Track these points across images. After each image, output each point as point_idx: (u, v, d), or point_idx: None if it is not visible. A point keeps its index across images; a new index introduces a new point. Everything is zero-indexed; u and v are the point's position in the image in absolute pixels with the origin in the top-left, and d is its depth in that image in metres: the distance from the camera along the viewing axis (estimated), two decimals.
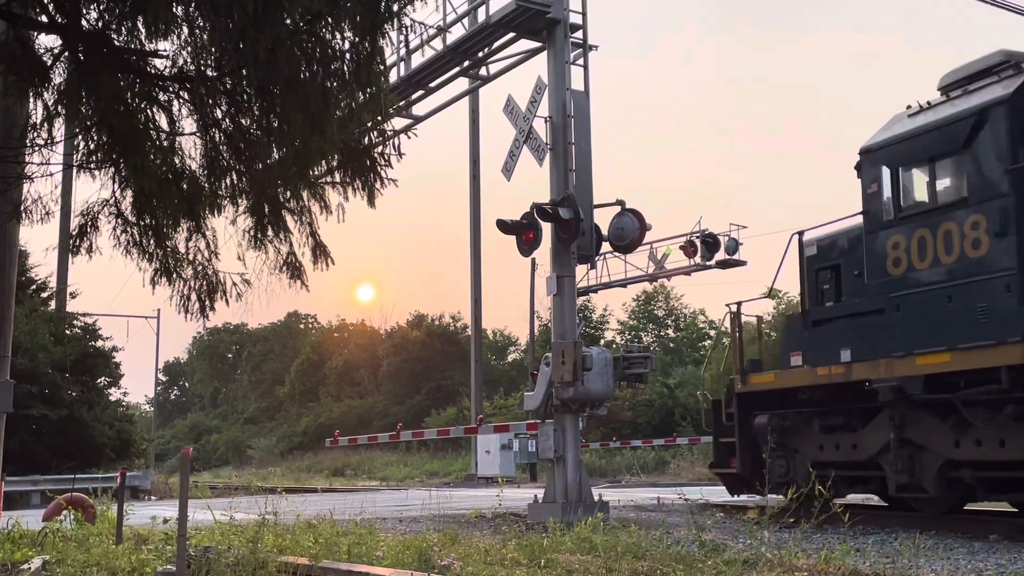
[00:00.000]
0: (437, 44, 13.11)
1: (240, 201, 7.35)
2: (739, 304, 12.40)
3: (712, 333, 46.67)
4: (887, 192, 10.32)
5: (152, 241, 7.48)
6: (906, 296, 9.86)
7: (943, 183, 9.90)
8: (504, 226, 11.79)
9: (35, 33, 6.77)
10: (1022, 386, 8.67)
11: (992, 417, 9.17)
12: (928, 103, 10.34)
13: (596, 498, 11.57)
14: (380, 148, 7.75)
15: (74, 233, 7.58)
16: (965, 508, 10.61)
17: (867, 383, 10.19)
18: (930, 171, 9.97)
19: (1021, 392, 8.72)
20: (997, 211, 9.08)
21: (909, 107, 10.56)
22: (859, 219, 10.77)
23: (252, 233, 7.55)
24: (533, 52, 12.62)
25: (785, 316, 13.23)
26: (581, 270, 13.13)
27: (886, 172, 10.34)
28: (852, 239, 11.14)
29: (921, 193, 10.11)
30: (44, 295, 29.90)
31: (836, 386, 10.64)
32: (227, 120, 6.83)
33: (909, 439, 9.94)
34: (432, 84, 13.96)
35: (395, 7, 6.58)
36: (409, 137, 10.19)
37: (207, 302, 7.81)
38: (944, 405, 9.60)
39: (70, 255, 9.23)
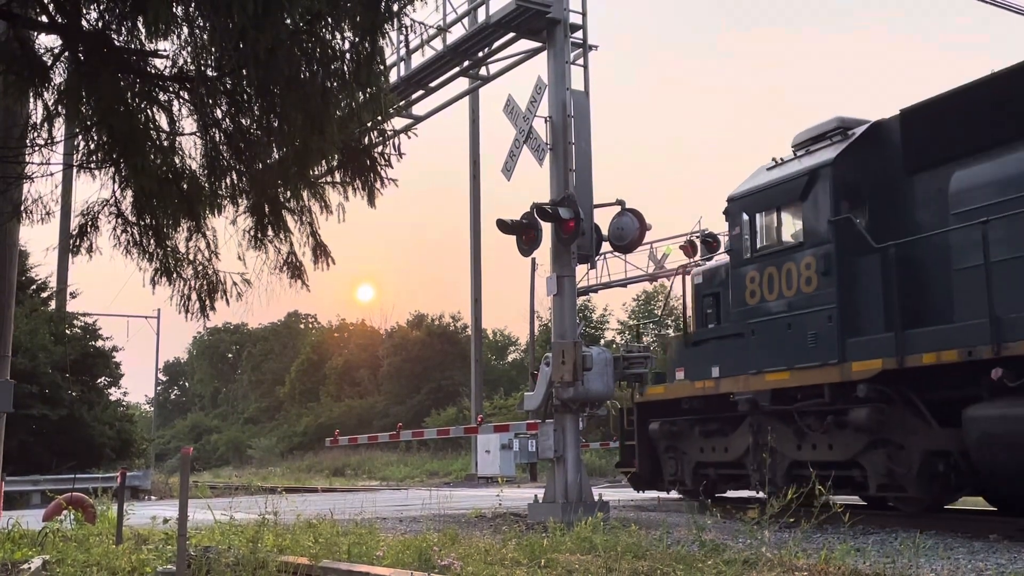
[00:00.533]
0: (437, 44, 13.12)
1: (240, 201, 7.35)
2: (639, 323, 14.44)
3: None
4: (746, 234, 12.11)
5: (152, 241, 7.48)
6: (759, 322, 11.67)
7: (786, 229, 11.72)
8: (504, 226, 11.79)
9: (35, 33, 6.77)
10: (841, 399, 10.48)
11: (820, 425, 10.92)
12: (782, 159, 12.11)
13: (596, 498, 11.58)
14: (380, 148, 7.76)
15: (74, 233, 7.58)
16: (947, 507, 11.00)
17: (732, 395, 11.93)
18: (777, 218, 11.82)
19: (840, 405, 10.53)
20: (823, 254, 10.92)
21: (773, 159, 12.32)
22: None
23: (252, 233, 7.56)
24: (533, 52, 12.62)
25: (672, 337, 15.64)
26: (581, 270, 13.67)
27: (745, 217, 12.11)
28: (728, 271, 12.93)
29: (771, 236, 11.89)
30: (44, 295, 29.89)
31: (710, 397, 12.44)
32: (227, 120, 6.84)
33: (765, 443, 11.32)
34: (432, 84, 13.95)
35: (395, 7, 6.58)
36: (409, 137, 10.20)
37: (207, 302, 7.82)
38: (788, 415, 11.36)
39: (70, 255, 9.24)
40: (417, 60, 13.64)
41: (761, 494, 11.13)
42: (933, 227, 10.07)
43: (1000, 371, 8.64)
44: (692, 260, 15.93)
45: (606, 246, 12.37)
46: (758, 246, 11.91)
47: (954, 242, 9.71)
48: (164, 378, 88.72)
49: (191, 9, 6.17)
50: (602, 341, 44.84)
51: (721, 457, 12.34)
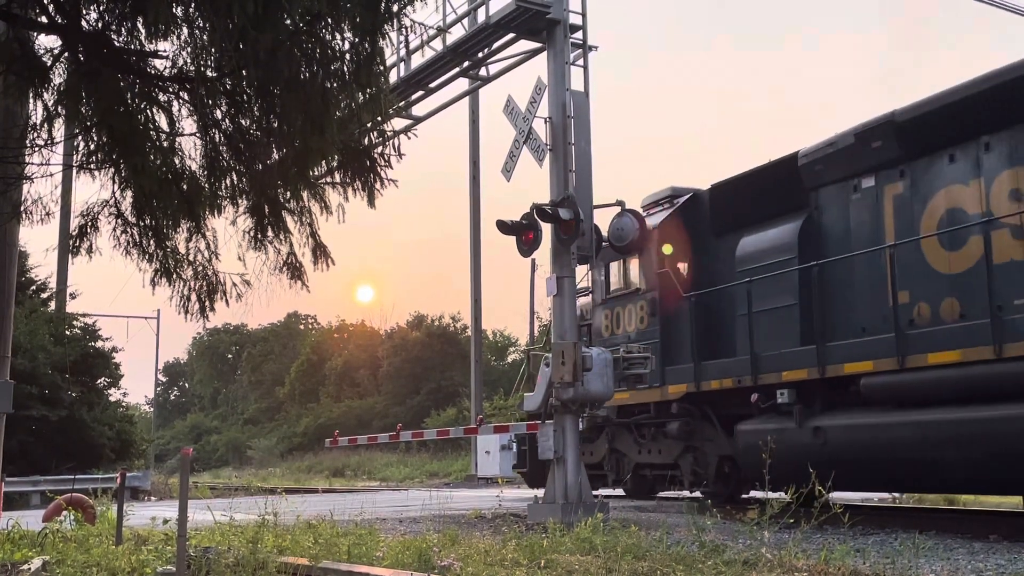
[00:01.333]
0: (437, 45, 13.11)
1: (240, 201, 7.35)
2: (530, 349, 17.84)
3: None
4: (601, 279, 15.07)
5: (152, 241, 7.48)
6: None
7: (631, 276, 14.50)
8: (504, 226, 11.78)
9: (35, 33, 6.77)
10: (664, 415, 13.23)
11: (651, 434, 13.85)
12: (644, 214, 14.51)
13: (596, 498, 11.57)
14: (380, 148, 7.75)
15: (74, 233, 7.58)
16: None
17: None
18: (624, 267, 14.58)
19: (663, 419, 13.32)
20: (650, 299, 13.92)
21: None
22: None
23: (252, 233, 7.55)
24: (533, 53, 12.61)
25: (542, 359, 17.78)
26: (581, 270, 14.42)
27: (602, 265, 14.74)
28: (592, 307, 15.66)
29: (619, 282, 14.70)
30: (44, 295, 29.89)
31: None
32: (227, 120, 6.83)
33: (617, 448, 14.62)
34: (432, 85, 13.94)
35: (395, 8, 6.58)
36: (409, 138, 10.21)
37: (207, 302, 7.81)
38: (630, 426, 14.24)
39: (70, 255, 9.23)
40: (417, 61, 13.63)
41: (619, 491, 14.94)
42: (726, 280, 12.71)
43: (756, 396, 11.37)
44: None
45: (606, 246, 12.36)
46: (611, 289, 14.84)
47: (736, 294, 12.35)
48: (164, 379, 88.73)
49: (191, 9, 6.17)
50: None
51: (588, 460, 14.61)
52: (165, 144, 6.79)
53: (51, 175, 7.53)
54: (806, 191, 11.94)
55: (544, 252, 12.03)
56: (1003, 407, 8.79)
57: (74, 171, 7.15)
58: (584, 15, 12.01)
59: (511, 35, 12.33)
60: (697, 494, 13.24)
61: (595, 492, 14.07)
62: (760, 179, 12.70)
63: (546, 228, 11.64)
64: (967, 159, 9.96)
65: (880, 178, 10.94)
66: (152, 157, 6.64)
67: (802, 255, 11.58)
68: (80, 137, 6.83)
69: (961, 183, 9.99)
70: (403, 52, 13.50)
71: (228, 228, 7.57)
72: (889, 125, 10.59)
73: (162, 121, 6.79)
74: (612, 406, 13.77)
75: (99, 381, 29.60)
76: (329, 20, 6.28)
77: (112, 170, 7.00)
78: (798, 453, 10.09)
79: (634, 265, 14.33)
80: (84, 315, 30.75)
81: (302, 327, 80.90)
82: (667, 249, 13.49)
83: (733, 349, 12.43)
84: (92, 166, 6.97)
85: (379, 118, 7.43)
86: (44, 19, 6.52)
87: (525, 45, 12.59)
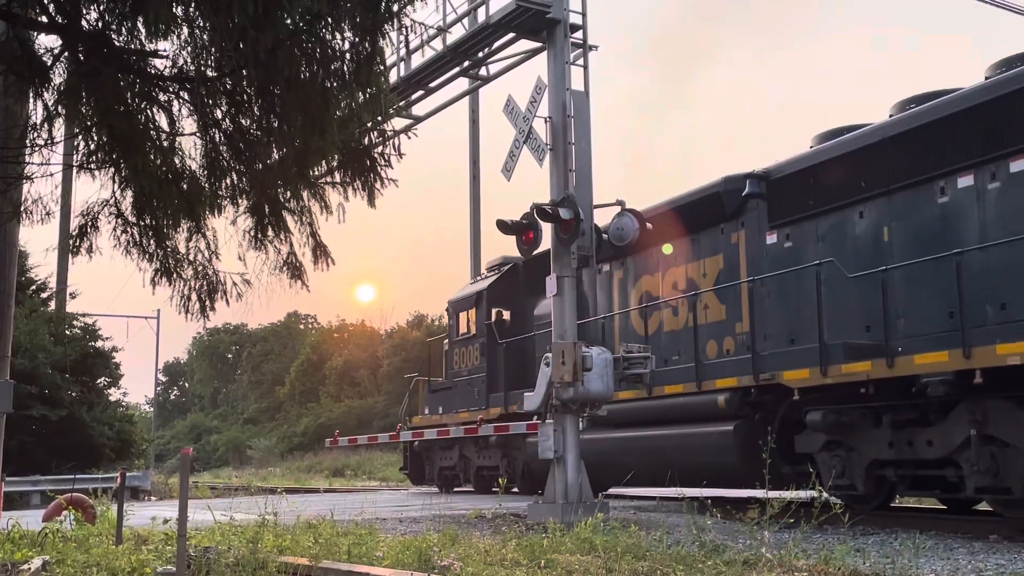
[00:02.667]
0: (437, 44, 13.10)
1: (240, 201, 7.35)
2: (412, 376, 22.20)
3: None
4: (452, 324, 19.44)
5: (152, 241, 7.48)
6: (457, 382, 18.96)
7: (472, 324, 18.51)
8: (504, 226, 11.78)
9: (35, 33, 6.77)
10: (500, 430, 15.99)
11: (485, 444, 17.78)
12: (483, 275, 19.51)
13: (596, 498, 11.56)
14: (380, 148, 7.76)
15: (74, 233, 7.58)
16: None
17: (447, 427, 18.12)
18: (468, 316, 18.73)
19: (495, 435, 16.71)
20: (480, 343, 18.08)
21: (472, 279, 20.08)
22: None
23: (252, 233, 7.56)
24: (533, 52, 12.60)
25: (418, 381, 21.81)
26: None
27: (453, 314, 19.40)
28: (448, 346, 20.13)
29: (464, 328, 18.84)
30: (44, 295, 29.89)
31: (439, 427, 18.54)
32: (227, 120, 6.84)
33: (465, 455, 18.76)
34: (432, 84, 13.93)
35: (395, 7, 6.58)
36: (409, 137, 10.19)
37: (207, 302, 7.82)
38: (475, 439, 17.75)
39: (70, 255, 9.22)
40: (417, 60, 13.62)
41: (468, 487, 18.73)
42: (529, 331, 17.01)
43: (536, 419, 13.22)
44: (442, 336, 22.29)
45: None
46: (458, 334, 19.09)
47: (535, 342, 16.52)
48: (164, 378, 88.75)
49: (191, 9, 6.17)
50: None
51: (451, 463, 19.13)
52: (165, 144, 6.79)
53: (51, 175, 7.55)
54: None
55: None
56: (658, 428, 13.02)
57: (74, 171, 7.15)
58: (584, 15, 12.00)
59: (511, 35, 12.32)
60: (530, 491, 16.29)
61: (456, 489, 19.23)
62: (547, 258, 14.85)
63: (546, 228, 11.63)
64: (651, 258, 14.20)
65: (612, 266, 15.07)
66: (152, 157, 6.64)
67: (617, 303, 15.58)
68: (80, 137, 6.83)
69: (649, 274, 14.34)
70: (403, 52, 13.49)
71: (228, 228, 7.58)
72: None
73: (162, 121, 6.80)
74: (459, 424, 18.13)
75: (99, 381, 29.60)
76: (329, 20, 6.28)
77: (112, 170, 7.00)
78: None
79: (472, 315, 18.63)
80: (84, 315, 30.78)
81: (302, 327, 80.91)
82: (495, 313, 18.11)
83: (529, 383, 15.50)
84: (92, 166, 6.97)
85: (379, 118, 7.43)
86: (44, 19, 6.52)
87: (525, 45, 12.58)
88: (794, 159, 11.84)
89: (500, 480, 11.59)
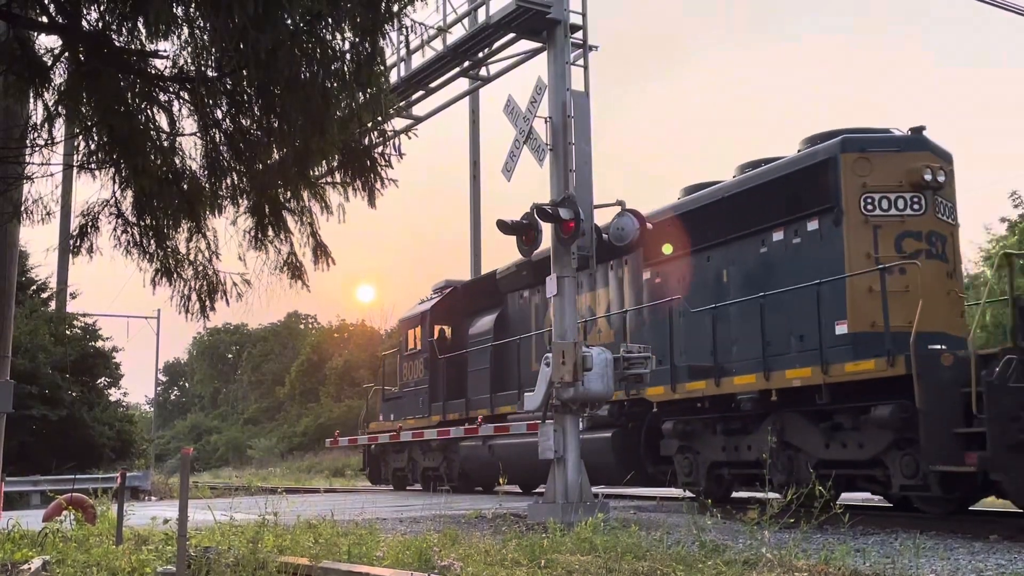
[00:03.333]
0: (437, 44, 13.09)
1: (240, 201, 7.36)
2: (373, 384, 27.13)
3: None
4: (403, 340, 21.99)
5: (152, 241, 7.48)
6: (406, 391, 21.42)
7: (417, 340, 20.98)
8: (504, 226, 11.77)
9: (35, 33, 6.77)
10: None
11: (430, 448, 19.75)
12: (430, 296, 21.52)
13: (596, 498, 11.56)
14: (380, 148, 7.76)
15: (74, 233, 7.58)
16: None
17: (399, 431, 20.43)
18: (415, 333, 21.12)
19: (437, 439, 19.01)
20: (424, 357, 20.35)
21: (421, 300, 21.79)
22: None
23: (253, 233, 7.56)
24: (533, 52, 12.59)
25: (374, 390, 24.40)
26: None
27: (403, 331, 22.10)
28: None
29: (412, 344, 21.20)
30: (44, 295, 29.85)
31: (392, 432, 21.00)
32: (227, 120, 6.84)
33: (414, 458, 20.73)
34: (432, 84, 13.93)
35: (395, 8, 6.58)
36: (409, 137, 10.21)
37: (207, 302, 7.82)
38: (421, 443, 20.04)
39: (70, 255, 9.23)
40: (417, 60, 13.62)
41: (418, 486, 20.57)
42: (465, 348, 19.38)
43: (467, 426, 17.21)
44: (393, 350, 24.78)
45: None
46: (407, 348, 21.50)
47: (467, 358, 19.27)
48: (164, 378, 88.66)
49: (191, 9, 6.17)
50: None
51: (402, 464, 21.25)
52: (165, 144, 6.79)
53: (51, 175, 7.55)
54: (502, 295, 18.89)
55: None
56: (517, 437, 15.87)
57: (74, 171, 7.16)
58: (584, 15, 12.00)
59: (511, 35, 12.32)
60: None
61: (408, 488, 21.15)
62: (482, 284, 20.43)
63: (546, 228, 11.63)
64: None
65: (530, 292, 17.79)
66: (152, 157, 6.65)
67: (495, 336, 18.54)
68: (80, 137, 6.83)
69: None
70: (403, 52, 13.49)
71: (228, 228, 7.59)
72: (529, 263, 16.00)
73: (162, 121, 6.80)
74: (407, 429, 20.39)
75: (99, 381, 29.57)
76: (329, 20, 6.28)
77: (112, 170, 7.01)
78: (484, 459, 17.46)
79: (418, 332, 20.93)
80: (84, 315, 30.73)
81: (302, 327, 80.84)
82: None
83: (465, 394, 19.24)
84: (92, 166, 6.97)
85: (379, 118, 7.43)
86: (44, 19, 6.52)
87: (525, 45, 12.58)
88: (661, 210, 14.22)
89: (443, 480, 14.97)
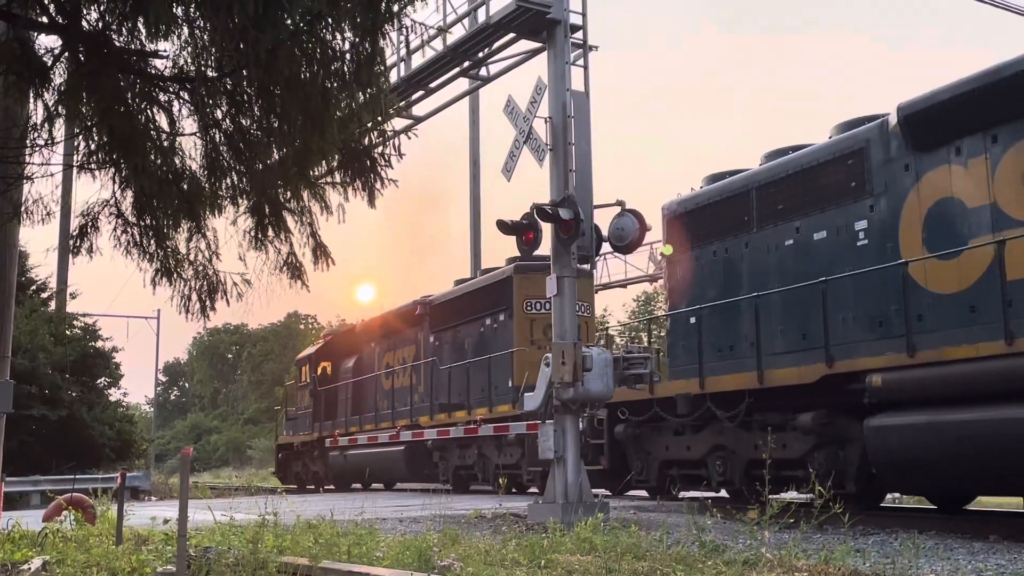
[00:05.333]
0: (437, 44, 13.09)
1: (240, 201, 7.35)
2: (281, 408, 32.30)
3: None
4: (298, 374, 27.00)
5: (152, 241, 7.48)
6: (299, 414, 26.94)
7: (307, 375, 26.71)
8: (504, 226, 11.77)
9: (35, 33, 6.77)
10: (319, 447, 23.27)
11: (313, 456, 24.10)
12: (323, 339, 27.63)
13: (596, 498, 11.55)
14: (380, 148, 7.76)
15: (74, 233, 7.58)
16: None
17: (324, 440, 24.62)
18: (306, 370, 26.96)
19: (317, 449, 24.43)
20: (311, 390, 26.07)
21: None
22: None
23: (253, 233, 7.56)
24: (533, 52, 12.59)
25: (284, 412, 29.85)
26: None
27: (299, 367, 27.10)
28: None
29: (304, 378, 26.72)
30: (44, 295, 29.84)
31: (313, 442, 25.74)
32: (227, 120, 6.84)
33: (306, 463, 25.28)
34: (432, 84, 13.92)
35: (395, 7, 6.58)
36: (409, 137, 10.19)
37: (207, 302, 7.82)
38: (310, 451, 25.16)
39: (70, 255, 9.24)
40: (417, 60, 13.61)
41: (311, 485, 25.24)
42: (337, 382, 24.97)
43: (334, 440, 22.88)
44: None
45: (606, 247, 12.33)
46: (300, 381, 27.30)
47: (339, 390, 24.85)
48: (164, 379, 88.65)
49: (191, 9, 6.17)
50: (601, 341, 44.68)
51: (299, 469, 26.33)
52: (165, 144, 6.79)
53: (51, 175, 7.54)
54: (360, 344, 25.10)
55: (544, 252, 12.03)
56: (363, 448, 22.24)
57: (74, 171, 7.15)
58: (584, 15, 12.00)
59: (511, 35, 12.32)
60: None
61: (308, 487, 25.00)
62: (348, 335, 26.42)
63: (546, 228, 11.63)
64: (387, 339, 23.40)
65: (375, 344, 23.91)
66: (152, 157, 6.64)
67: (353, 375, 24.69)
68: (80, 137, 6.83)
69: (390, 351, 23.30)
70: (403, 52, 13.48)
71: (228, 228, 7.58)
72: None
73: (162, 121, 6.79)
74: (331, 436, 24.38)
75: (99, 381, 29.56)
76: (329, 20, 6.28)
77: (112, 170, 7.00)
78: (341, 464, 23.38)
79: (307, 369, 26.83)
80: (84, 315, 30.73)
81: (302, 327, 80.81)
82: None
83: (334, 417, 24.88)
84: (92, 166, 6.97)
85: (379, 118, 7.43)
86: (44, 19, 6.51)
87: (525, 45, 12.58)
88: (442, 295, 21.33)
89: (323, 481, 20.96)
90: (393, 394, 22.41)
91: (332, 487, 24.42)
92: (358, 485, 23.02)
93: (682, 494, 13.79)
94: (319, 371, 26.10)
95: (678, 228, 14.25)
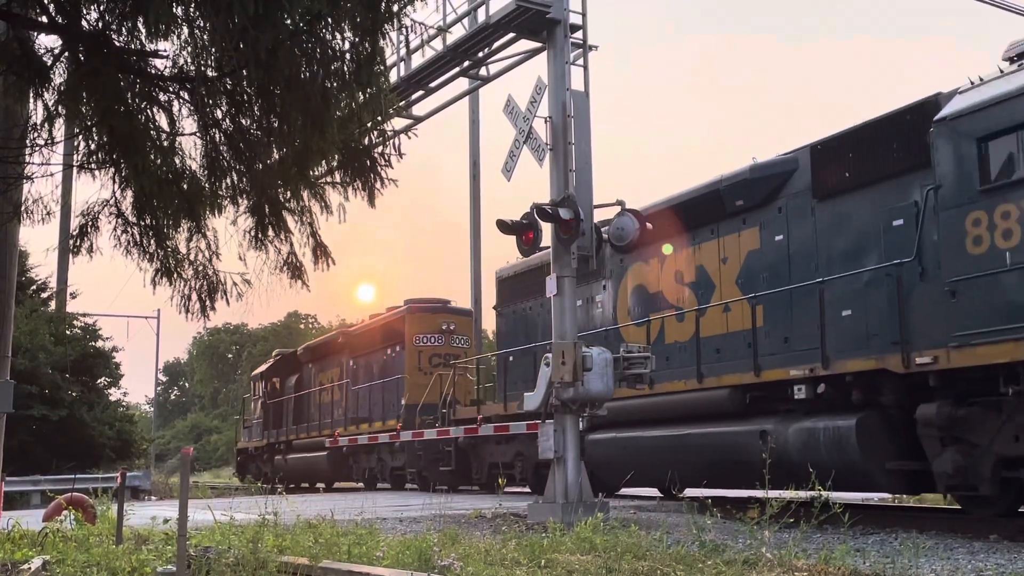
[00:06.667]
0: (437, 44, 13.07)
1: (240, 201, 7.35)
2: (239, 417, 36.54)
3: None
4: (253, 388, 33.37)
5: (152, 241, 7.48)
6: (254, 423, 31.63)
7: (259, 389, 32.39)
8: (504, 226, 11.77)
9: (35, 33, 6.77)
10: (269, 452, 29.01)
11: (263, 458, 28.96)
12: (274, 357, 32.58)
13: (596, 498, 11.55)
14: (380, 148, 7.76)
15: (74, 233, 7.58)
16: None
17: (272, 446, 28.66)
18: (259, 385, 32.73)
19: (266, 453, 29.75)
20: (262, 403, 31.35)
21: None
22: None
23: (253, 233, 7.56)
24: (533, 52, 12.58)
25: (242, 421, 33.66)
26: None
27: (252, 383, 34.77)
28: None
29: (257, 392, 32.35)
30: (44, 295, 29.86)
31: (263, 447, 29.88)
32: (227, 120, 6.84)
33: (258, 464, 29.78)
34: (432, 84, 13.91)
35: (395, 7, 6.58)
36: (409, 137, 10.19)
37: (208, 302, 7.82)
38: (263, 454, 29.87)
39: (70, 255, 9.23)
40: (417, 60, 13.60)
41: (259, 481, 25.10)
42: (283, 396, 29.94)
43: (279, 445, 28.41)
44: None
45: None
46: (255, 394, 32.28)
47: (284, 403, 30.09)
48: (164, 378, 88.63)
49: (191, 9, 6.17)
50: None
51: (254, 470, 29.48)
52: (165, 144, 6.79)
53: (51, 175, 7.55)
54: (301, 364, 29.19)
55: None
56: (300, 452, 27.17)
57: (74, 171, 7.16)
58: (584, 15, 11.99)
59: (511, 35, 12.31)
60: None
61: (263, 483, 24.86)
62: (292, 356, 30.30)
63: (546, 227, 11.63)
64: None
65: (312, 364, 28.52)
66: (152, 157, 6.64)
67: (295, 390, 28.80)
68: (80, 137, 6.83)
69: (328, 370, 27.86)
70: (403, 52, 13.47)
71: (229, 228, 7.59)
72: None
73: (162, 121, 6.80)
74: (272, 443, 29.24)
75: (99, 381, 29.56)
76: (329, 20, 6.28)
77: (112, 170, 7.01)
78: (286, 467, 25.99)
79: (260, 385, 31.36)
80: (84, 315, 30.74)
81: (302, 326, 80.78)
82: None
83: (280, 426, 28.70)
84: (92, 166, 6.97)
85: (379, 118, 7.43)
86: (44, 19, 6.51)
87: (525, 45, 12.57)
88: (357, 327, 26.45)
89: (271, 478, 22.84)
90: (321, 408, 26.87)
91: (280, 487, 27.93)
92: (306, 484, 26.50)
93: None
94: (269, 386, 30.71)
95: (502, 289, 19.03)
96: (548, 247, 12.18)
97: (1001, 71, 9.50)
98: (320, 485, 24.10)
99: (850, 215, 11.05)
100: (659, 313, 14.02)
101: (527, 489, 16.63)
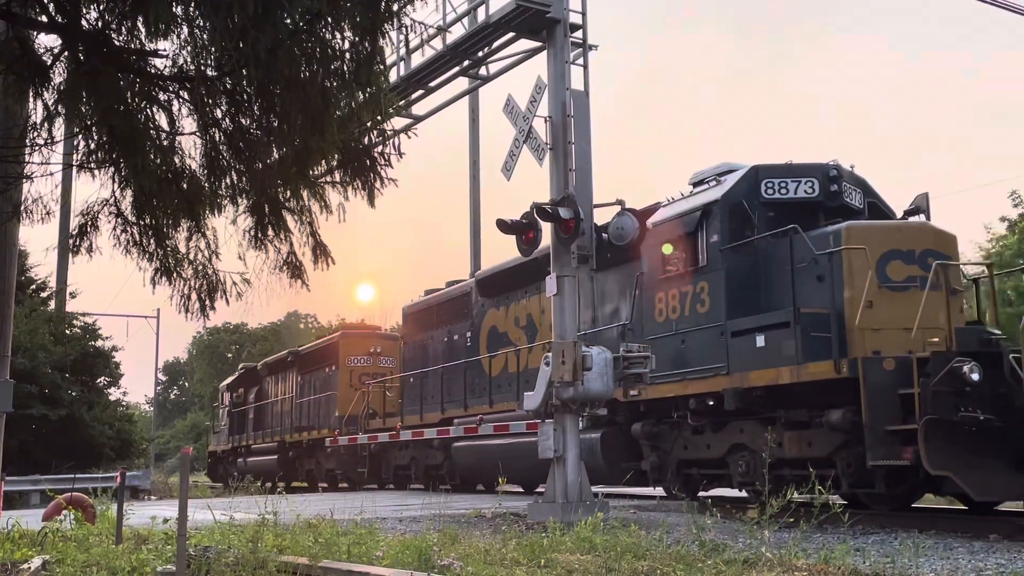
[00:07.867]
0: (437, 44, 13.05)
1: (240, 201, 7.36)
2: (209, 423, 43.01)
3: None
4: (220, 398, 36.97)
5: (152, 241, 7.48)
6: (222, 428, 35.78)
7: (226, 399, 36.13)
8: (504, 226, 11.77)
9: (35, 33, 6.77)
10: (235, 455, 33.15)
11: (232, 460, 32.66)
12: (240, 371, 36.53)
13: (596, 498, 11.56)
14: (380, 148, 7.76)
15: (74, 233, 7.58)
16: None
17: (235, 450, 32.69)
18: (227, 395, 36.02)
19: (231, 456, 33.75)
20: (227, 411, 35.45)
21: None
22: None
23: (252, 233, 7.56)
24: (533, 52, 12.58)
25: (212, 426, 36.99)
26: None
27: (219, 393, 38.16)
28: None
29: (225, 401, 36.13)
30: (44, 295, 29.87)
31: (228, 451, 33.92)
32: (227, 120, 6.83)
33: (225, 466, 33.73)
34: (432, 84, 13.90)
35: (395, 7, 6.58)
36: (409, 137, 10.18)
37: (207, 301, 7.82)
38: (232, 457, 33.36)
39: (70, 255, 9.23)
40: (417, 60, 13.59)
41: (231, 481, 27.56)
42: (245, 406, 33.47)
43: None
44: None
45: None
46: (223, 403, 36.22)
47: (247, 412, 33.49)
48: (164, 378, 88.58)
49: (191, 9, 6.17)
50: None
51: (226, 471, 32.39)
52: (165, 143, 6.79)
53: (51, 174, 7.55)
54: (261, 377, 31.80)
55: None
56: (259, 455, 30.77)
57: (74, 170, 7.16)
58: (584, 14, 11.98)
59: (511, 34, 12.30)
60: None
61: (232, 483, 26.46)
62: (253, 371, 32.89)
63: (546, 227, 11.63)
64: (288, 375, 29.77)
65: (272, 378, 31.04)
66: (152, 156, 6.64)
67: (256, 400, 31.45)
68: (80, 136, 6.83)
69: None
70: (403, 51, 13.46)
71: (228, 227, 7.59)
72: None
73: (162, 120, 6.80)
74: (238, 447, 32.48)
75: (99, 380, 29.59)
76: (329, 19, 6.28)
77: (112, 169, 7.01)
78: (243, 468, 28.62)
79: (227, 395, 34.75)
80: (84, 314, 30.80)
81: (302, 326, 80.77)
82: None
83: (244, 431, 31.70)
84: (92, 165, 6.97)
85: (379, 117, 7.42)
86: (44, 18, 6.52)
87: (525, 44, 12.57)
88: (304, 347, 29.79)
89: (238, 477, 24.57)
90: (274, 417, 30.11)
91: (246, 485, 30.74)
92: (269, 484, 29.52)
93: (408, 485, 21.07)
94: (235, 396, 34.08)
95: (406, 322, 22.78)
96: (436, 290, 16.86)
97: (682, 194, 12.82)
98: (277, 484, 26.31)
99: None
100: (502, 350, 18.14)
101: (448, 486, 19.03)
